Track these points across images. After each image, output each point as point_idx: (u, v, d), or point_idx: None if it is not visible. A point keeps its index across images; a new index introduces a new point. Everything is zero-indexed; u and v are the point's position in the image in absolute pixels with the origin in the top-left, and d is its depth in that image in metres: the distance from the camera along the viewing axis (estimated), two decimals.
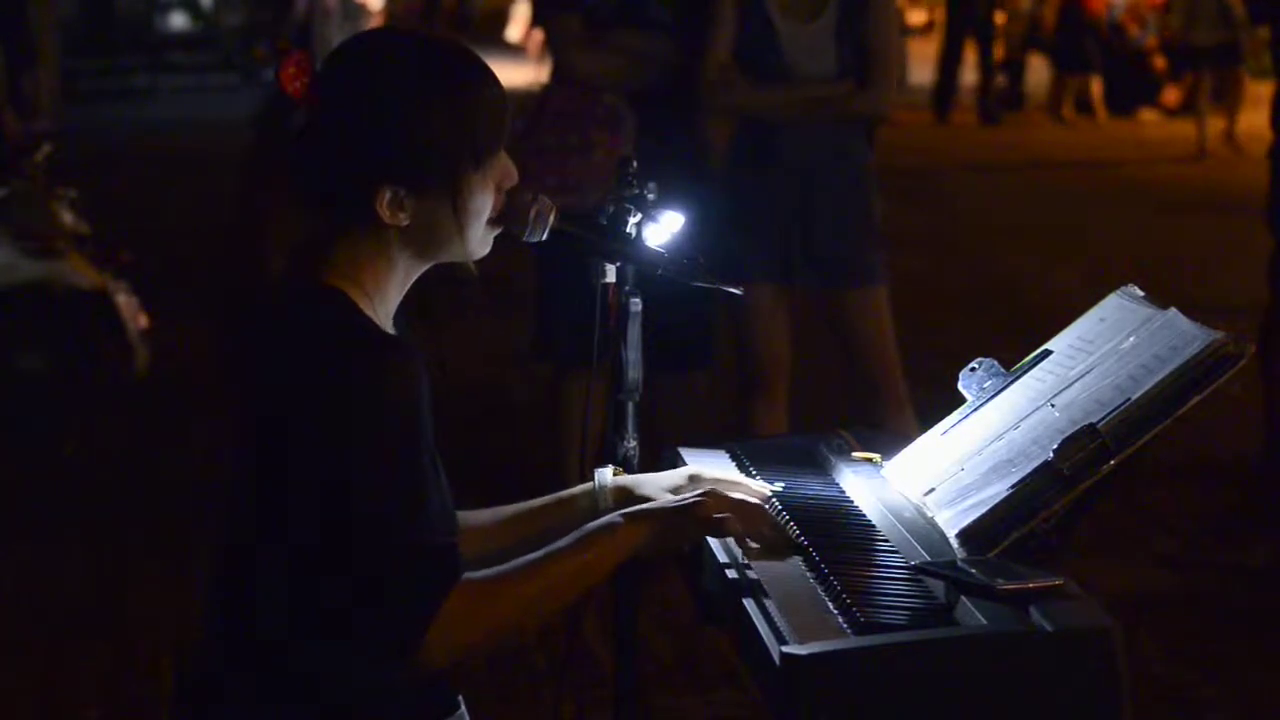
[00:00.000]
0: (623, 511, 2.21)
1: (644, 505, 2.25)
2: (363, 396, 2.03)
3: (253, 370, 2.12)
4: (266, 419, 2.09)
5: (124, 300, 6.88)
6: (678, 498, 2.27)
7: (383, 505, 2.03)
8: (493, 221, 2.20)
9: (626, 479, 2.43)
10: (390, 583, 2.03)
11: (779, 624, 2.07)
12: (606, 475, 2.42)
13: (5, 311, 6.74)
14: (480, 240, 2.20)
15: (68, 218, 6.98)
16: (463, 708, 2.25)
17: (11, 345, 6.78)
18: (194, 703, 2.19)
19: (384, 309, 2.17)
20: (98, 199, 7.77)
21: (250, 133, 2.15)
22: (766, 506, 2.33)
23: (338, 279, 2.13)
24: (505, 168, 2.20)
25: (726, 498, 2.26)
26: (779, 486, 2.48)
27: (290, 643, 2.09)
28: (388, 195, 2.11)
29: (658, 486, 2.41)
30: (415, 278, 2.21)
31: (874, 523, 2.40)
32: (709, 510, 2.23)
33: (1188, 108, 16.35)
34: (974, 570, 2.12)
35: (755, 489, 2.45)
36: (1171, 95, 17.62)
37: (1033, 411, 2.38)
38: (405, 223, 2.13)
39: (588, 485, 2.42)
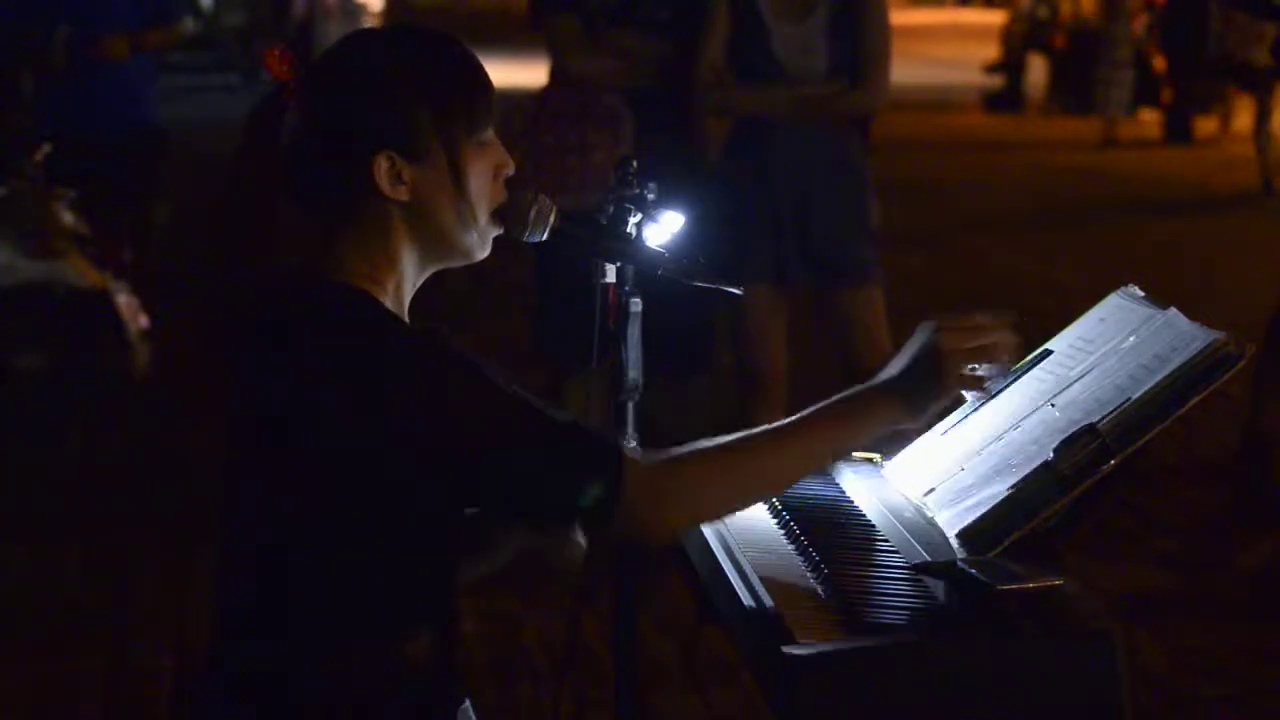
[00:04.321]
0: (869, 385, 2.17)
1: (886, 376, 2.18)
2: (428, 358, 2.04)
3: (273, 375, 2.11)
4: (300, 420, 2.06)
5: (124, 300, 6.88)
6: (912, 357, 2.18)
7: (508, 427, 2.04)
8: (493, 216, 2.20)
9: None
10: (566, 458, 2.05)
11: (779, 624, 2.07)
12: None
13: (5, 311, 6.73)
14: (480, 234, 2.19)
15: (68, 218, 6.98)
16: (468, 703, 2.25)
17: (11, 345, 6.78)
18: (196, 705, 2.19)
19: (401, 310, 2.17)
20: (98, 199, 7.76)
21: (242, 135, 2.16)
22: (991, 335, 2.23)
23: (357, 279, 2.12)
24: (500, 153, 2.20)
25: (961, 337, 2.18)
26: None
27: (300, 639, 2.09)
28: (384, 164, 2.11)
29: None
30: (423, 279, 2.21)
31: (874, 523, 2.40)
32: (953, 361, 2.16)
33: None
34: (974, 570, 2.12)
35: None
36: (1169, 96, 17.58)
37: (1033, 411, 2.38)
38: (405, 197, 2.12)
39: None
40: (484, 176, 2.17)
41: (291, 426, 2.08)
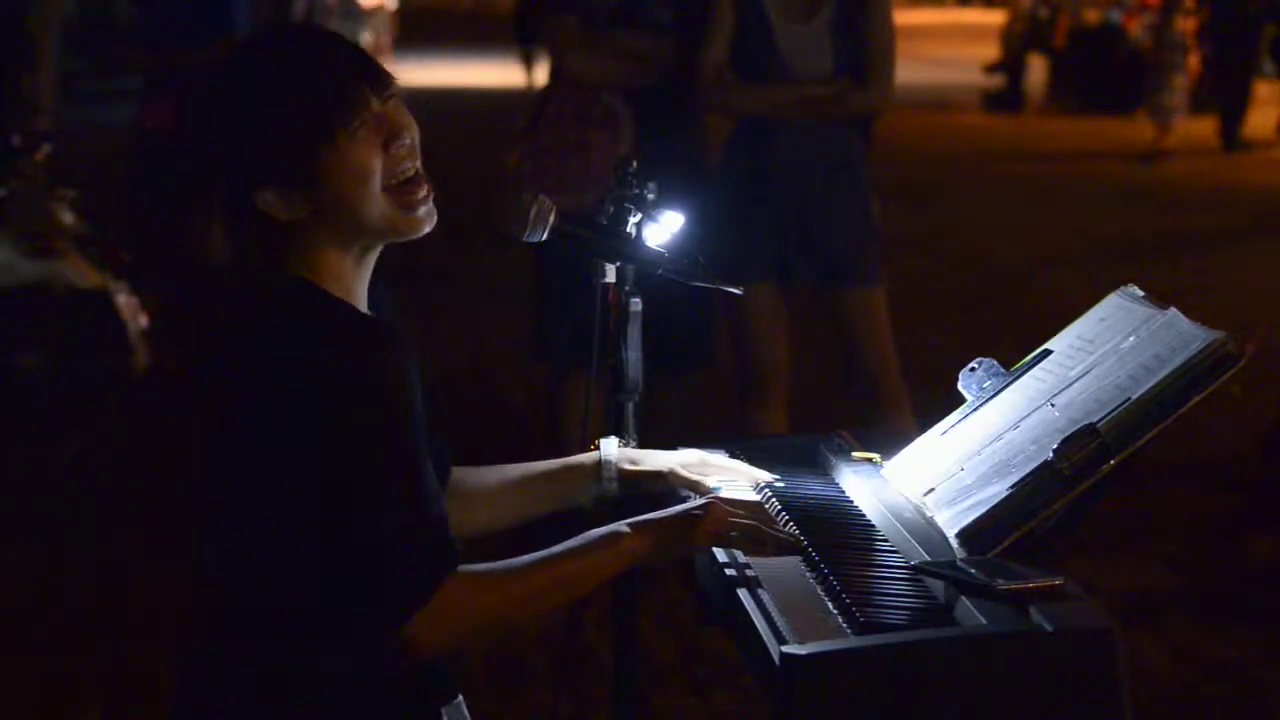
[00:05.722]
0: (628, 521, 2.22)
1: (649, 515, 2.25)
2: (359, 386, 2.03)
3: (231, 367, 2.12)
4: (254, 414, 2.08)
5: (124, 300, 6.88)
6: (681, 508, 2.27)
7: (386, 487, 2.04)
8: (406, 185, 2.13)
9: (633, 451, 2.45)
10: (389, 561, 2.04)
11: (779, 624, 2.07)
12: (612, 449, 2.43)
13: (5, 311, 6.74)
14: (391, 210, 2.13)
15: (68, 218, 6.98)
16: (460, 698, 2.25)
17: (11, 345, 6.78)
18: (195, 702, 2.19)
19: (356, 292, 2.17)
20: (98, 199, 7.77)
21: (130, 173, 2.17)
22: (766, 511, 2.33)
23: (302, 269, 2.13)
24: (386, 127, 2.13)
25: (729, 510, 2.26)
26: (781, 485, 2.49)
27: (283, 629, 2.10)
28: (269, 197, 2.10)
29: (671, 459, 2.44)
30: (373, 257, 2.19)
31: (874, 523, 2.40)
32: (712, 525, 2.24)
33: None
34: (974, 570, 2.12)
35: (757, 476, 2.48)
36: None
37: (1033, 411, 2.38)
38: (304, 213, 2.11)
39: (594, 454, 2.43)
40: (368, 161, 2.11)
41: (244, 420, 2.09)
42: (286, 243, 2.13)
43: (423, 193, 2.16)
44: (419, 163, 2.16)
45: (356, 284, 2.18)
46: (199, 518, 2.19)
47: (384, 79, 2.14)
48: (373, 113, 2.12)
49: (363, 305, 2.18)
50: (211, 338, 2.14)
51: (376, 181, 2.12)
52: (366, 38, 17.92)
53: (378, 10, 19.64)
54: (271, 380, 2.06)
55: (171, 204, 2.15)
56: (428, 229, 2.17)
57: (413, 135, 2.16)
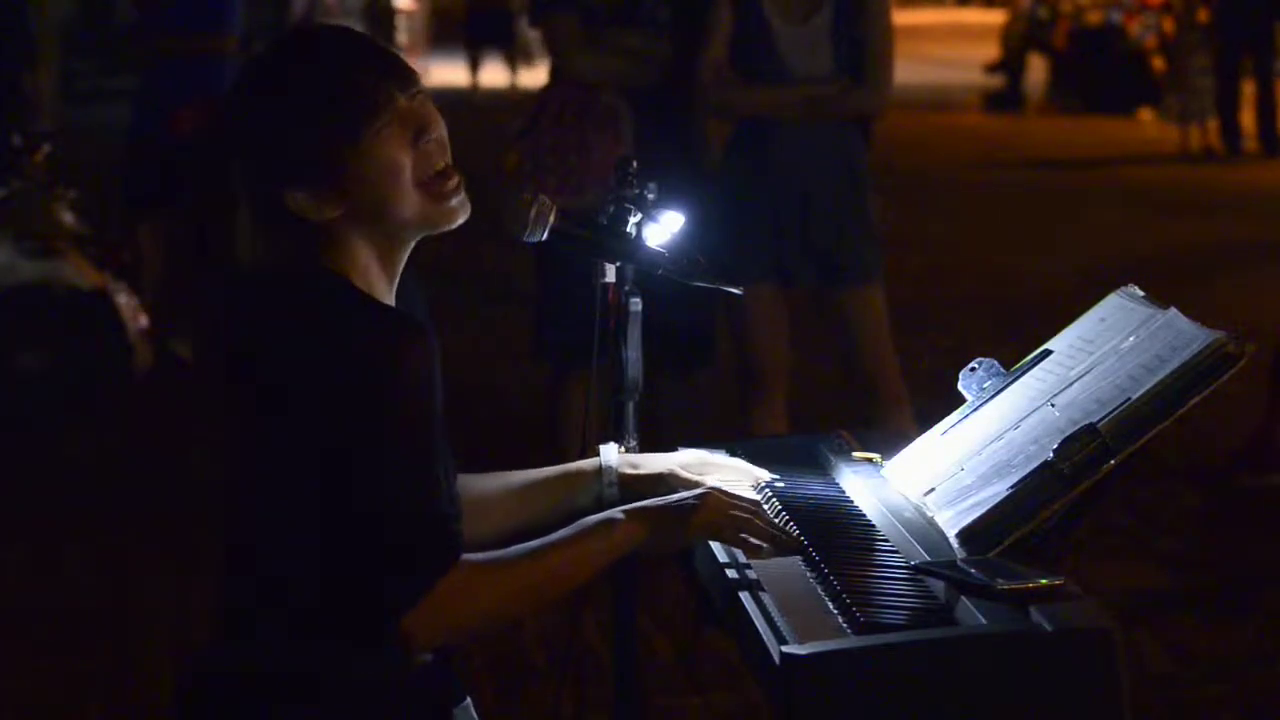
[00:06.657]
0: (623, 508, 2.23)
1: (644, 502, 2.25)
2: (380, 378, 2.04)
3: (257, 357, 2.12)
4: (277, 403, 2.08)
5: (124, 300, 6.88)
6: (678, 497, 2.27)
7: (395, 480, 2.04)
8: (424, 182, 2.14)
9: (633, 456, 2.45)
10: (391, 552, 2.04)
11: (779, 624, 2.07)
12: (612, 455, 2.43)
13: (5, 311, 6.74)
14: (423, 205, 2.14)
15: (68, 218, 6.99)
16: (468, 700, 2.26)
17: (11, 345, 6.79)
18: (197, 700, 2.19)
19: (382, 287, 2.18)
20: (98, 199, 7.77)
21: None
22: (764, 509, 2.34)
23: (334, 265, 2.13)
24: (416, 119, 2.13)
25: (726, 504, 2.26)
26: (781, 485, 2.50)
27: (288, 625, 2.10)
28: (300, 197, 2.11)
29: (671, 462, 2.45)
30: (406, 252, 2.20)
31: (874, 523, 2.40)
32: (708, 516, 2.24)
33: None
34: (974, 570, 2.12)
35: (758, 475, 2.48)
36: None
37: (1033, 411, 2.38)
38: (335, 214, 2.12)
39: (594, 460, 2.44)
40: (398, 157, 2.12)
41: (265, 413, 2.10)
42: (320, 240, 2.13)
43: (454, 183, 2.17)
44: (449, 156, 2.17)
45: (388, 280, 2.19)
46: (215, 514, 2.19)
47: (409, 75, 2.15)
48: (399, 109, 2.12)
49: (393, 300, 2.19)
50: (239, 333, 2.15)
51: (407, 177, 2.13)
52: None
53: (411, 13, 19.58)
54: (291, 373, 2.07)
55: (211, 205, 2.16)
56: (462, 219, 2.18)
57: (440, 130, 2.16)
